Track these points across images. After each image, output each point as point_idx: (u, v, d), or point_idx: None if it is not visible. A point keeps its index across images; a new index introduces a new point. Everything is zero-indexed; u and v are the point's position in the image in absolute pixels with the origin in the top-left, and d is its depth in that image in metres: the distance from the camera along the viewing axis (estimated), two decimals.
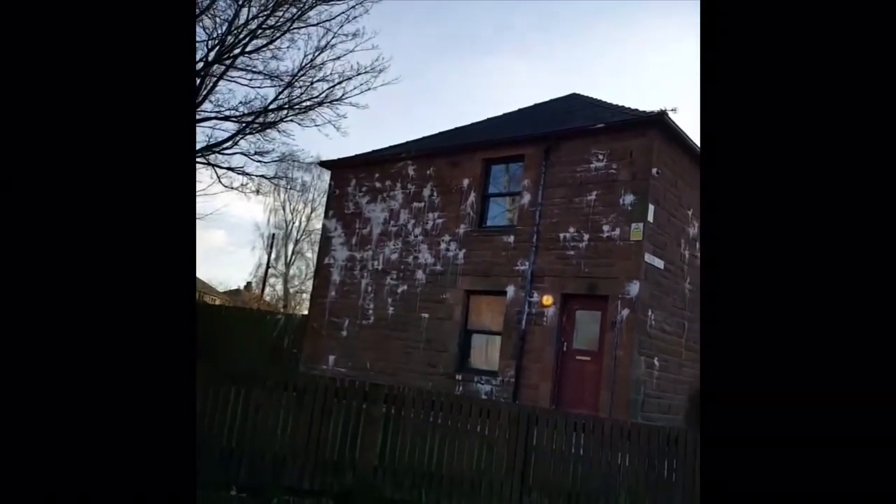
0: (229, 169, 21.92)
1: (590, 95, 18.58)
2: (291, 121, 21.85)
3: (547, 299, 14.31)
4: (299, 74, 21.05)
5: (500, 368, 14.78)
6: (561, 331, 14.16)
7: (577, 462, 8.19)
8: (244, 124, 21.23)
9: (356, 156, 19.58)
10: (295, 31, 20.49)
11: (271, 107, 21.25)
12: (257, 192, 27.52)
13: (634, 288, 13.15)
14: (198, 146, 19.35)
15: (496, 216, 16.35)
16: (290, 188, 34.46)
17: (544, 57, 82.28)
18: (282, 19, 20.10)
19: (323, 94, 21.35)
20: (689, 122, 64.03)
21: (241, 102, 25.70)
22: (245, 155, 22.02)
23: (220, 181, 22.00)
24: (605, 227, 13.79)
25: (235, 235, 72.33)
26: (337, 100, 21.43)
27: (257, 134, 21.90)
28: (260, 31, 20.14)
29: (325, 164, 20.62)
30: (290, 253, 49.12)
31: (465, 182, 16.51)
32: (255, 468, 7.79)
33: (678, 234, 14.65)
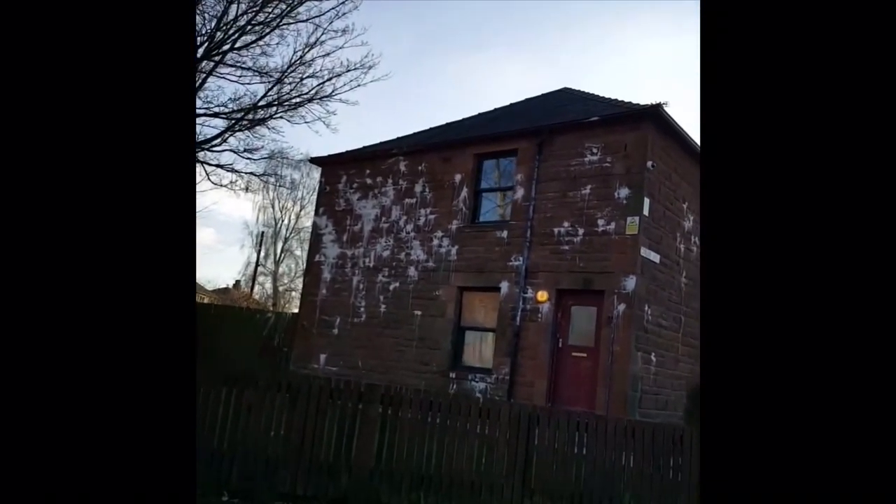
0: (218, 166, 21.69)
1: (581, 89, 18.40)
2: (281, 117, 21.60)
3: (541, 295, 14.12)
4: (289, 71, 20.78)
5: (495, 366, 14.57)
6: (556, 327, 13.97)
7: (579, 462, 7.99)
8: (233, 121, 20.96)
9: (347, 152, 19.32)
10: (284, 27, 20.21)
11: (261, 103, 20.99)
12: (246, 189, 27.17)
13: (631, 282, 12.97)
14: None
15: (489, 211, 16.15)
16: (280, 185, 34.18)
17: (533, 53, 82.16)
18: (271, 15, 19.82)
19: (312, 91, 21.10)
20: (680, 117, 63.94)
21: (230, 99, 25.44)
22: (234, 152, 21.79)
23: (209, 178, 21.77)
24: (600, 222, 13.60)
25: (224, 233, 71.92)
26: (326, 96, 21.18)
27: (247, 131, 21.65)
28: (249, 27, 19.85)
29: (315, 161, 20.36)
30: (279, 251, 48.82)
31: (458, 177, 16.30)
32: (247, 471, 7.56)
33: (673, 228, 14.48)
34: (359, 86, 31.38)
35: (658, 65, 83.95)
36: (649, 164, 13.31)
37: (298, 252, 46.73)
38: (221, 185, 27.58)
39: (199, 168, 21.21)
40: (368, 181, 18.25)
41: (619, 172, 13.58)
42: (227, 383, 7.75)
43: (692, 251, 15.17)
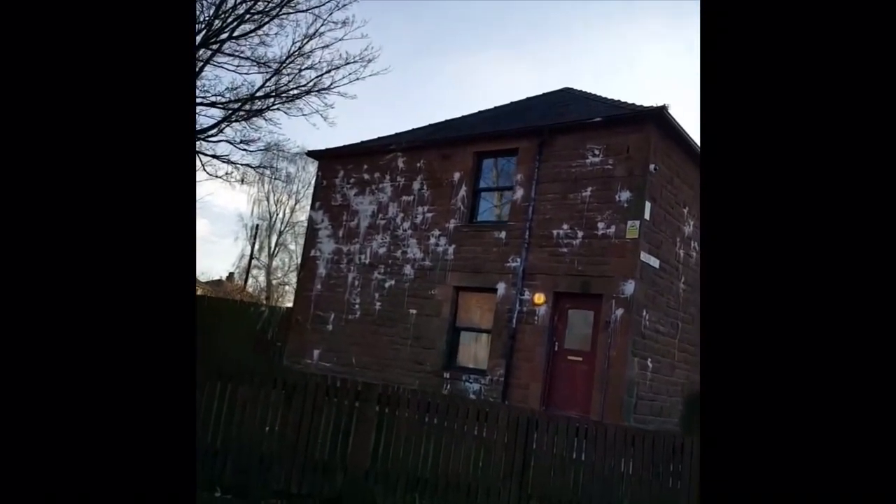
0: (214, 157, 21.49)
1: (583, 90, 18.27)
2: (278, 109, 21.44)
3: (539, 297, 13.99)
4: (287, 62, 20.61)
5: (490, 367, 14.44)
6: (552, 330, 13.85)
7: (578, 468, 7.86)
8: (230, 111, 20.78)
9: (345, 146, 19.16)
10: (283, 16, 20.05)
11: (258, 94, 20.81)
12: (242, 181, 27.00)
13: (629, 287, 12.85)
14: None
15: (487, 211, 16.02)
16: (275, 178, 33.96)
17: (531, 53, 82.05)
18: (270, 4, 19.66)
19: (311, 83, 20.94)
20: (680, 119, 63.78)
21: (227, 88, 25.20)
22: (230, 143, 21.60)
23: (204, 169, 21.55)
24: (600, 225, 13.48)
25: (218, 225, 71.49)
26: (325, 88, 21.03)
27: (243, 121, 21.46)
28: (248, 15, 19.68)
29: (312, 155, 20.17)
30: (273, 244, 48.58)
31: (456, 176, 16.15)
32: (241, 468, 7.42)
33: (673, 233, 14.37)
34: (358, 79, 31.31)
35: (656, 66, 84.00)
36: (652, 167, 13.19)
37: (293, 246, 46.51)
38: (217, 177, 27.36)
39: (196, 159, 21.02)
40: (366, 177, 18.08)
41: (620, 175, 13.45)
42: (221, 378, 7.59)
43: (692, 257, 15.06)
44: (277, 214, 48.59)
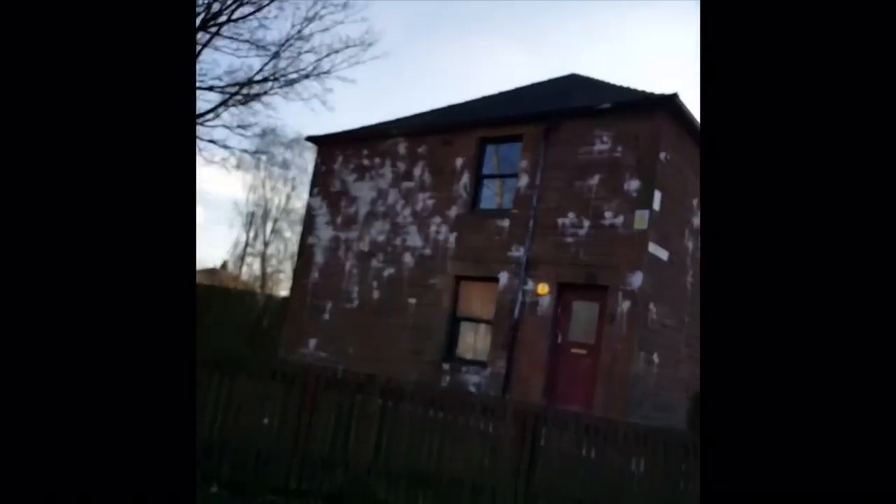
0: (210, 141, 21.15)
1: (589, 76, 17.89)
2: (276, 93, 21.14)
3: (542, 288, 13.63)
4: (286, 45, 20.29)
5: (490, 359, 14.09)
6: (556, 322, 13.50)
7: (586, 467, 7.54)
8: (228, 95, 20.40)
9: (344, 132, 18.71)
10: None
11: (256, 78, 20.48)
12: (238, 166, 26.70)
13: (637, 279, 12.49)
14: None
15: (490, 199, 15.63)
16: (272, 164, 33.60)
17: (533, 40, 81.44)
18: None
19: (310, 67, 20.61)
20: (691, 108, 63.29)
21: (225, 72, 24.85)
22: (227, 128, 21.29)
23: (200, 155, 21.16)
24: (608, 214, 13.10)
25: (212, 212, 70.63)
26: (324, 72, 20.70)
27: (241, 106, 21.09)
28: None
29: (311, 140, 19.69)
30: (268, 232, 48.12)
31: (459, 162, 15.75)
32: (239, 463, 7.07)
33: (682, 224, 13.99)
34: (358, 63, 30.98)
35: (664, 55, 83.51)
36: (663, 155, 12.82)
37: (288, 234, 46.03)
38: (213, 162, 26.96)
39: None
40: (366, 162, 17.68)
41: (629, 163, 13.06)
42: (218, 369, 7.23)
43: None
44: (273, 201, 48.13)
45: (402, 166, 16.88)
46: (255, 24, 19.84)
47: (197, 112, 20.24)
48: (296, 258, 19.72)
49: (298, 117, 71.21)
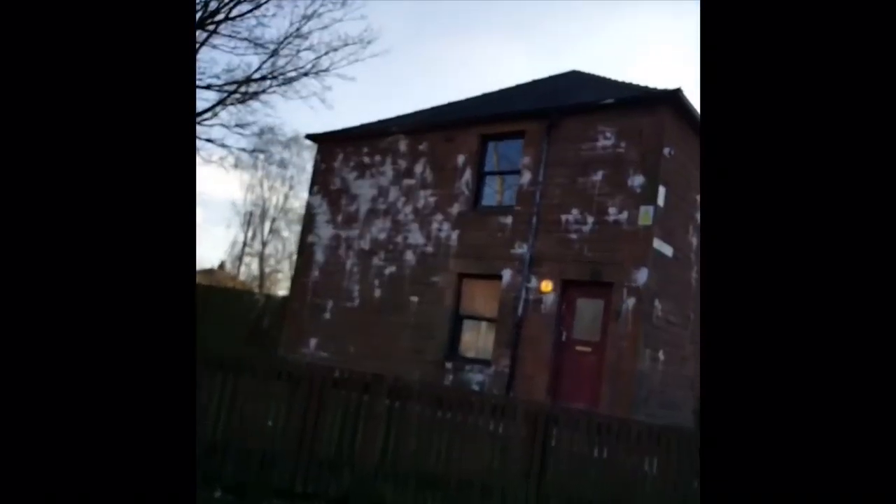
0: (208, 140, 21.00)
1: (591, 72, 17.75)
2: (275, 92, 20.96)
3: (546, 285, 13.48)
4: (285, 43, 20.10)
5: (494, 357, 13.95)
6: (560, 319, 13.36)
7: (599, 467, 7.40)
8: (226, 94, 20.23)
9: (344, 129, 18.55)
10: None
11: (255, 76, 20.30)
12: (236, 165, 26.56)
13: (642, 275, 12.35)
14: None
15: (492, 196, 15.48)
16: (270, 163, 33.45)
17: (534, 34, 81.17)
18: None
19: (309, 65, 20.44)
20: (694, 103, 62.97)
21: (224, 70, 24.68)
22: (225, 127, 21.10)
23: (198, 154, 20.97)
24: (612, 210, 12.96)
25: (210, 212, 70.27)
26: (323, 70, 20.53)
27: (239, 105, 20.92)
28: None
29: (311, 137, 19.49)
30: (266, 231, 47.95)
31: (461, 159, 15.60)
32: (243, 466, 6.89)
33: (686, 220, 13.85)
34: (357, 61, 30.79)
35: (657, 52, 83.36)
36: (667, 150, 12.68)
37: (286, 233, 45.91)
38: (210, 161, 26.74)
39: None
40: (366, 160, 17.53)
41: (633, 159, 12.91)
42: (222, 370, 7.06)
43: None
44: (271, 201, 47.95)
45: (402, 164, 16.73)
46: (253, 21, 19.74)
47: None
48: (295, 257, 19.56)
49: (297, 116, 70.86)
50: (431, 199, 15.86)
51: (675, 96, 12.72)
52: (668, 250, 12.97)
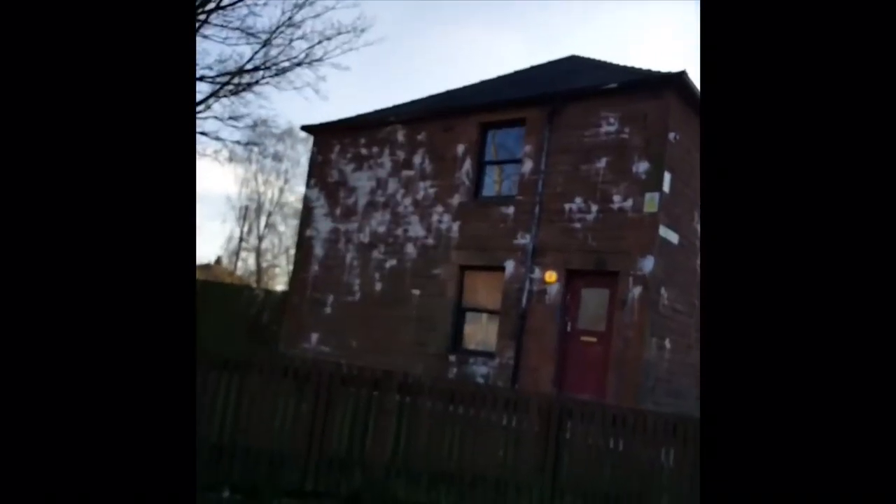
0: (202, 134, 20.71)
1: (591, 57, 17.52)
2: (268, 83, 20.72)
3: (550, 275, 13.30)
4: (277, 32, 19.84)
5: (498, 349, 13.78)
6: (565, 309, 13.18)
7: (615, 460, 7.24)
8: (219, 85, 19.97)
9: (341, 120, 18.32)
10: None
11: (247, 67, 20.03)
12: (230, 159, 26.36)
13: (648, 263, 12.16)
14: None
15: (493, 185, 15.27)
16: (264, 156, 33.24)
17: (530, 22, 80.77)
18: None
19: (302, 54, 20.20)
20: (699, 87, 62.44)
21: (215, 61, 24.41)
22: (219, 119, 20.82)
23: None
24: (616, 198, 12.77)
25: (205, 207, 69.83)
26: (317, 60, 20.30)
27: (232, 96, 20.66)
28: None
29: (307, 129, 19.24)
30: (262, 226, 47.72)
31: (460, 148, 15.39)
32: (251, 466, 6.71)
33: (691, 207, 13.64)
34: (351, 50, 30.54)
35: (667, 35, 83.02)
36: (672, 135, 12.47)
37: (282, 227, 45.72)
38: (205, 155, 26.49)
39: None
40: (363, 151, 17.30)
41: (637, 145, 12.70)
42: (226, 369, 6.86)
43: None
44: (266, 195, 47.71)
45: (401, 154, 16.51)
46: (244, 10, 19.55)
47: None
48: (292, 252, 19.37)
49: (291, 109, 70.23)
50: (431, 191, 15.65)
51: (680, 79, 12.50)
52: (673, 237, 12.78)
